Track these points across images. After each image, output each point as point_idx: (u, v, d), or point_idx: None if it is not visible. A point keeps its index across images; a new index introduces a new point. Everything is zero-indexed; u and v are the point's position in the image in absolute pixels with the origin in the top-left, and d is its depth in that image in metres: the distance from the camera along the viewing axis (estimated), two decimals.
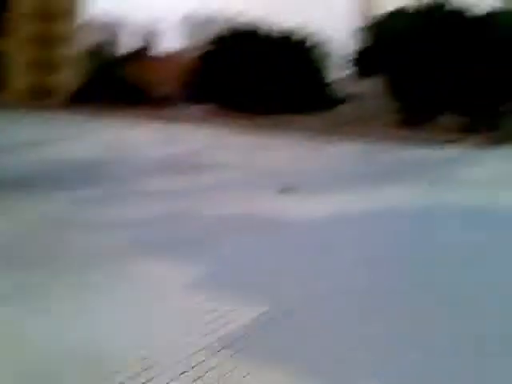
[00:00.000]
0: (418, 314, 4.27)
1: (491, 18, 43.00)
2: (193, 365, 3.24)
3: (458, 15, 43.11)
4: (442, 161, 18.64)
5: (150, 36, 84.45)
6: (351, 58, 54.59)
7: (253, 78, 53.22)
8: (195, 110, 55.83)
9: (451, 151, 22.95)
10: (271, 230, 7.04)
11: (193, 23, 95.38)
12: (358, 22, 57.40)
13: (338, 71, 60.03)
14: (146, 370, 3.15)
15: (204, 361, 3.29)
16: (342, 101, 63.45)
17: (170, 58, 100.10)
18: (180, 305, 4.28)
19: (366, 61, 50.52)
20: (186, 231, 6.71)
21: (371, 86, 59.25)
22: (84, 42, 61.30)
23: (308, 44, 63.34)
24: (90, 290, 4.51)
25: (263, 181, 11.60)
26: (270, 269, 5.34)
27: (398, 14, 47.82)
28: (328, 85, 67.68)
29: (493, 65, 39.16)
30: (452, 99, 44.49)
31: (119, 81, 66.41)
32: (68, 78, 53.98)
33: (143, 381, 3.03)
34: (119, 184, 10.05)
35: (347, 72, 58.41)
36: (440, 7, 45.05)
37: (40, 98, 49.43)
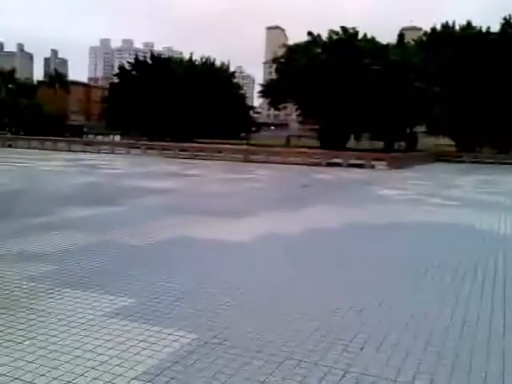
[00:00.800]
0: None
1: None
2: None
3: (358, 48, 45.87)
4: (357, 181, 19.55)
5: (59, 65, 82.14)
6: (267, 88, 56.50)
7: (170, 106, 53.25)
8: (110, 138, 54.68)
9: (366, 172, 24.13)
10: (198, 254, 6.90)
11: (101, 53, 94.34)
12: (267, 55, 59.36)
13: (257, 99, 61.29)
14: None
15: None
16: (261, 125, 64.42)
17: (81, 88, 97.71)
18: (107, 335, 4.03)
19: (274, 91, 52.60)
20: (107, 261, 6.40)
21: (292, 113, 60.65)
22: None
23: (229, 72, 64.60)
24: (14, 327, 4.13)
25: (191, 205, 11.46)
26: (200, 295, 5.20)
27: (300, 48, 50.26)
28: (248, 110, 69.05)
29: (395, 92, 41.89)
30: (364, 125, 47.11)
31: (31, 108, 63.74)
32: None
33: None
34: (37, 215, 9.42)
35: (266, 100, 60.11)
36: (344, 40, 47.92)
37: None
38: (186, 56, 64.92)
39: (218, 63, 63.30)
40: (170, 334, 4.10)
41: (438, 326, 4.43)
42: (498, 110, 41.11)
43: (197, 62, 61.80)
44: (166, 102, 53.06)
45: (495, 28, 45.66)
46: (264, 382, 3.36)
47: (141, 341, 3.96)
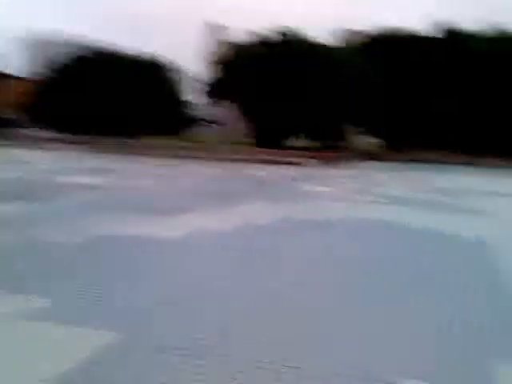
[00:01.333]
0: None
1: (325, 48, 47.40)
2: None
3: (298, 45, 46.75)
4: (291, 179, 19.92)
5: None
6: (204, 85, 56.21)
7: (100, 100, 51.70)
8: (39, 132, 52.42)
9: (300, 170, 24.65)
10: (124, 252, 6.80)
11: (33, 45, 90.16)
12: (208, 52, 59.26)
13: (194, 95, 60.95)
14: None
15: None
16: (196, 121, 64.10)
17: (12, 80, 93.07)
18: (26, 336, 3.92)
19: (216, 88, 52.47)
20: (34, 261, 6.17)
21: (229, 111, 61.04)
22: None
23: (159, 67, 63.47)
24: None
25: (118, 202, 11.21)
26: (126, 295, 5.14)
27: (242, 46, 50.49)
28: (183, 106, 68.35)
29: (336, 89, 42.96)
30: (300, 123, 47.97)
31: None
32: None
33: None
34: None
35: (203, 97, 59.82)
36: (284, 40, 48.59)
37: None
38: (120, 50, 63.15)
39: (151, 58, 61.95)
40: (90, 334, 4.04)
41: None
42: (425, 110, 43.17)
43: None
44: (97, 95, 51.37)
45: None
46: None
47: (58, 341, 3.88)
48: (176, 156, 29.22)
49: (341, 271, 6.33)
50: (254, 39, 51.18)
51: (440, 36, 46.20)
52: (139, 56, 61.48)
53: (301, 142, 56.09)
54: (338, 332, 4.30)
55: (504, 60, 41.91)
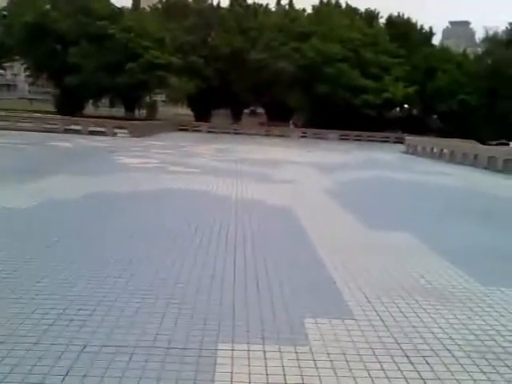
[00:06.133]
0: None
1: None
2: None
3: None
4: (100, 149, 18.71)
5: None
6: None
7: None
8: None
9: (109, 140, 23.37)
10: None
11: None
12: None
13: None
14: None
15: None
16: None
17: None
18: None
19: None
20: None
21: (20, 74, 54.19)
22: None
23: None
24: None
25: None
26: None
27: (26, 2, 45.29)
28: None
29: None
30: (104, 90, 45.32)
31: None
32: None
33: None
34: None
35: None
36: None
37: None
38: None
39: None
40: None
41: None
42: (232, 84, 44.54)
43: None
44: None
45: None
46: None
47: None
48: None
49: None
50: None
51: None
52: None
53: (103, 111, 52.86)
54: None
55: None
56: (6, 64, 54.15)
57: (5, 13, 47.07)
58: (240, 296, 4.32)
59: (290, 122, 50.33)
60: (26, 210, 7.40)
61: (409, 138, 31.16)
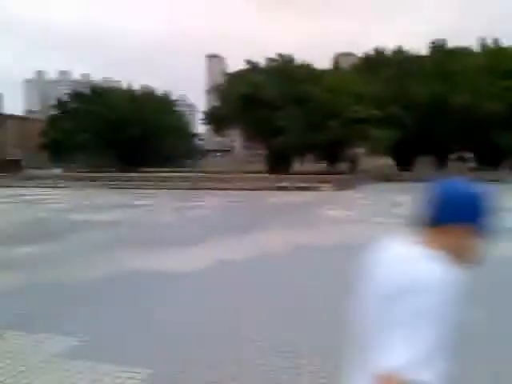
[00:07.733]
0: None
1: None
2: None
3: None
4: (305, 204, 19.85)
5: None
6: (205, 116, 56.81)
7: (111, 136, 52.43)
8: (50, 171, 52.79)
9: (313, 195, 24.60)
10: (148, 287, 6.75)
11: (37, 85, 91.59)
12: (208, 83, 59.78)
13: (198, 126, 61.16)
14: None
15: None
16: (205, 152, 64.08)
17: (18, 121, 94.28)
18: (58, 377, 3.86)
19: (217, 118, 52.95)
20: (50, 300, 6.14)
21: (236, 139, 60.88)
22: None
23: (171, 100, 64.45)
24: None
25: (141, 236, 11.21)
26: (150, 330, 5.08)
27: (240, 75, 51.09)
28: (195, 138, 69.06)
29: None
30: (307, 147, 48.10)
31: None
32: None
33: None
34: None
35: (205, 127, 60.20)
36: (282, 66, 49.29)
37: None
38: (125, 85, 64.42)
39: (159, 92, 63.12)
40: (124, 371, 3.97)
41: None
42: (433, 127, 43.09)
43: (136, 92, 61.28)
44: (108, 133, 52.26)
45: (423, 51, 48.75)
46: None
47: (95, 380, 3.81)
48: (191, 187, 29.24)
49: None
50: (254, 67, 51.81)
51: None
52: (146, 90, 62.44)
53: (307, 166, 55.89)
54: None
55: None
56: (224, 132, 61.54)
57: (223, 87, 54.11)
58: None
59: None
60: (241, 261, 8.36)
61: None
